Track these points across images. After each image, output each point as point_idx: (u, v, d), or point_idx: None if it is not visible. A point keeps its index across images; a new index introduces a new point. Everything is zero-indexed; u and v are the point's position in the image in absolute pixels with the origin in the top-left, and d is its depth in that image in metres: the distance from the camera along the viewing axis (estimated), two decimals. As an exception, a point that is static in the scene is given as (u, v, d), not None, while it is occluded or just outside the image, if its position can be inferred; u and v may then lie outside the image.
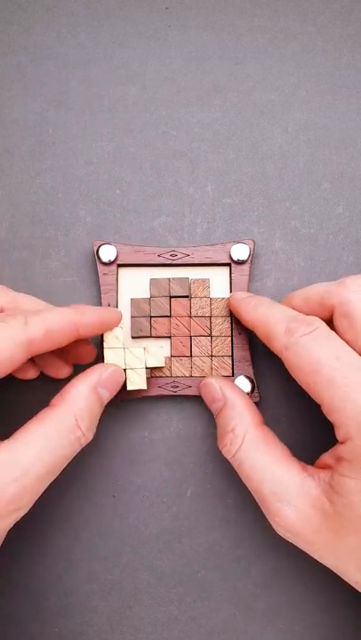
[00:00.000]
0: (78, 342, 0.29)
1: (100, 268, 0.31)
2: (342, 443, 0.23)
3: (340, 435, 0.23)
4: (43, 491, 0.24)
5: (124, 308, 0.31)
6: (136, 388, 0.28)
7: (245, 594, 0.30)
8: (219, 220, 0.32)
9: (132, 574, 0.30)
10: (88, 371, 0.27)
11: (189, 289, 0.31)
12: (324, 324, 0.25)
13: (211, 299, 0.31)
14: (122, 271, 0.31)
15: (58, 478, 0.30)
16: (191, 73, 0.34)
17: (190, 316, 0.31)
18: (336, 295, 0.25)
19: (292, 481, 0.24)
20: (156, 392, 0.30)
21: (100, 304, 0.31)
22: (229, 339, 0.30)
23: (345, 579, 0.24)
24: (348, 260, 0.32)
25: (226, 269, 0.31)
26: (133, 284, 0.31)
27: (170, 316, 0.31)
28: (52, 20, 0.34)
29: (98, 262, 0.31)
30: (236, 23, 0.34)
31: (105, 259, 0.31)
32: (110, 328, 0.28)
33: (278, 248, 0.32)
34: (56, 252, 0.32)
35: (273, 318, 0.26)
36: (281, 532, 0.24)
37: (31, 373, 0.29)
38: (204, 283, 0.31)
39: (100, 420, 0.31)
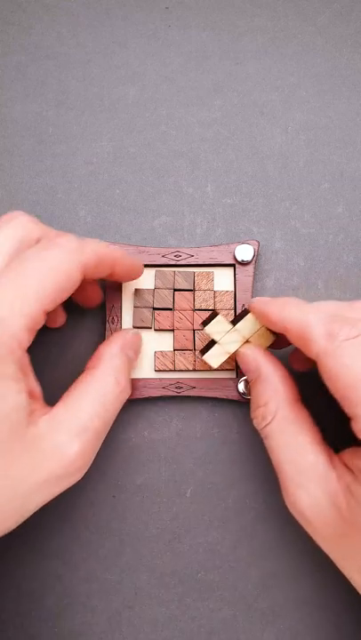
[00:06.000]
0: (90, 285, 0.29)
1: None
2: None
3: None
4: (97, 450, 0.25)
5: (128, 310, 0.31)
6: (213, 361, 0.28)
7: (245, 594, 0.30)
8: (219, 220, 0.32)
9: (132, 574, 0.30)
10: (114, 335, 0.28)
11: (194, 283, 0.31)
12: None
13: (215, 291, 0.31)
14: None
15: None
16: (191, 73, 0.34)
17: (194, 310, 0.31)
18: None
19: (314, 468, 0.23)
20: (159, 393, 0.30)
21: (99, 306, 0.31)
22: None
23: (345, 575, 0.24)
24: (348, 260, 0.32)
25: (230, 270, 0.31)
26: (137, 284, 0.31)
27: (173, 310, 0.31)
28: (52, 20, 0.34)
29: None
30: (236, 23, 0.34)
31: None
32: (134, 278, 0.29)
33: (278, 248, 0.32)
34: (56, 252, 0.32)
35: (309, 317, 0.23)
36: (291, 511, 0.24)
37: (61, 319, 0.30)
38: (209, 275, 0.31)
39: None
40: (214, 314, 0.28)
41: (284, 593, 0.30)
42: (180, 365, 0.30)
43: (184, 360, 0.30)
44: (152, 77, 0.34)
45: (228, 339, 0.28)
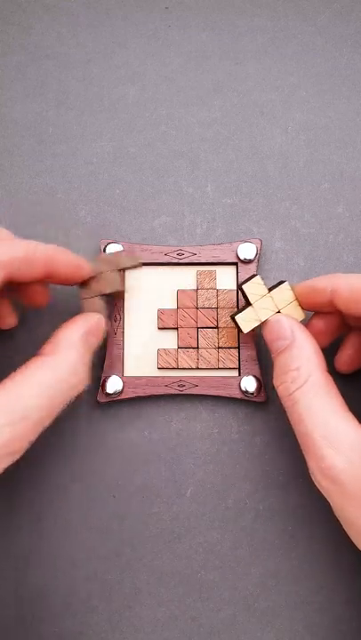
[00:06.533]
0: (36, 285, 0.28)
1: None
2: None
3: None
4: (35, 438, 0.24)
5: (131, 307, 0.31)
6: (244, 325, 0.28)
7: (245, 594, 0.30)
8: (219, 220, 0.32)
9: (132, 574, 0.30)
10: (75, 319, 0.27)
11: (138, 260, 0.30)
12: None
13: (217, 290, 0.31)
14: (128, 270, 0.31)
15: (58, 477, 0.30)
16: (191, 73, 0.34)
17: (197, 308, 0.31)
18: None
19: (346, 432, 0.23)
20: (162, 391, 0.30)
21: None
22: (236, 330, 0.30)
23: (358, 545, 0.24)
24: (348, 260, 0.32)
25: (233, 268, 0.31)
26: (140, 283, 0.31)
27: (177, 308, 0.31)
28: (52, 20, 0.34)
29: None
30: (236, 23, 0.34)
31: None
32: (80, 278, 0.28)
33: (278, 248, 0.32)
34: (56, 252, 0.32)
35: None
36: (318, 478, 0.24)
37: (10, 320, 0.29)
38: (211, 274, 0.31)
39: (98, 419, 0.31)
40: (254, 274, 0.28)
41: (284, 593, 0.30)
42: (183, 363, 0.30)
43: (187, 358, 0.30)
44: (152, 77, 0.34)
45: (261, 304, 0.28)
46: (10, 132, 0.33)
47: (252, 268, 0.31)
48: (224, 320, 0.31)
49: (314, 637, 0.29)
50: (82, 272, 0.28)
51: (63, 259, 0.26)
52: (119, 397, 0.30)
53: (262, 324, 0.28)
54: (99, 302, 0.28)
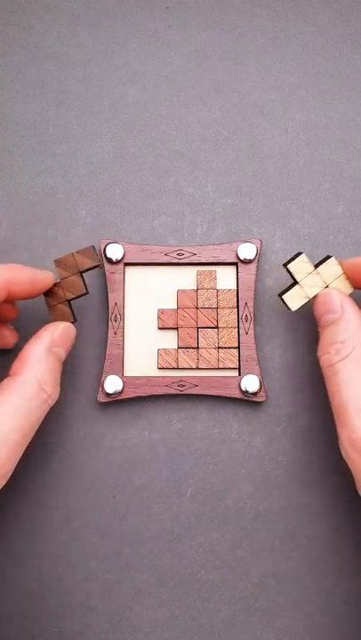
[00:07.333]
0: (1, 304, 0.28)
1: (108, 266, 0.31)
2: None
3: None
4: (20, 457, 0.25)
5: (132, 307, 0.31)
6: (292, 303, 0.28)
7: (245, 594, 0.30)
8: (219, 220, 0.32)
9: (132, 574, 0.30)
10: (40, 333, 0.27)
11: (97, 257, 0.29)
12: None
13: (217, 290, 0.31)
14: (128, 270, 0.31)
15: (58, 477, 0.30)
16: (191, 73, 0.34)
17: (197, 308, 0.31)
18: None
19: None
20: (162, 391, 0.30)
21: (101, 304, 0.31)
22: (236, 330, 0.30)
23: None
24: (349, 259, 0.32)
25: (233, 268, 0.31)
26: (140, 283, 0.31)
27: (177, 308, 0.31)
28: (52, 20, 0.34)
29: (105, 261, 0.31)
30: (236, 23, 0.34)
31: (112, 257, 0.31)
32: (42, 289, 0.28)
33: (278, 248, 0.32)
34: (56, 252, 0.32)
35: None
36: (347, 448, 0.24)
37: (9, 340, 0.30)
38: (211, 274, 0.31)
39: (98, 419, 0.31)
40: (299, 253, 0.28)
41: (284, 593, 0.30)
42: (183, 363, 0.30)
43: (187, 358, 0.30)
44: (152, 77, 0.34)
45: (308, 281, 0.28)
46: (10, 132, 0.33)
47: (252, 268, 0.31)
48: (224, 320, 0.31)
49: (314, 637, 0.29)
50: (41, 285, 0.28)
51: (19, 278, 0.26)
52: (119, 397, 0.30)
53: (311, 300, 0.28)
54: (65, 309, 0.28)
